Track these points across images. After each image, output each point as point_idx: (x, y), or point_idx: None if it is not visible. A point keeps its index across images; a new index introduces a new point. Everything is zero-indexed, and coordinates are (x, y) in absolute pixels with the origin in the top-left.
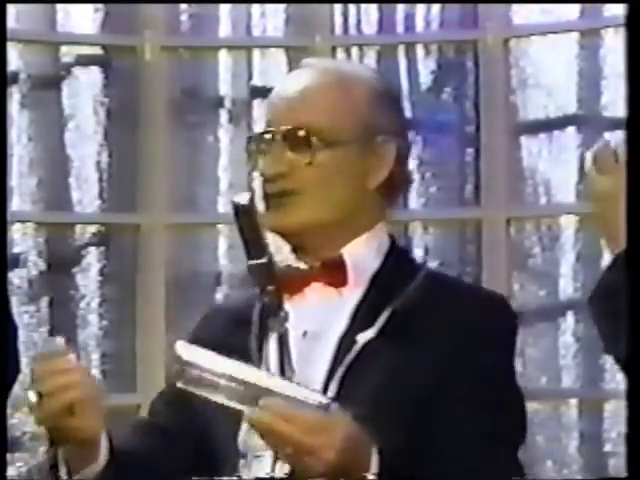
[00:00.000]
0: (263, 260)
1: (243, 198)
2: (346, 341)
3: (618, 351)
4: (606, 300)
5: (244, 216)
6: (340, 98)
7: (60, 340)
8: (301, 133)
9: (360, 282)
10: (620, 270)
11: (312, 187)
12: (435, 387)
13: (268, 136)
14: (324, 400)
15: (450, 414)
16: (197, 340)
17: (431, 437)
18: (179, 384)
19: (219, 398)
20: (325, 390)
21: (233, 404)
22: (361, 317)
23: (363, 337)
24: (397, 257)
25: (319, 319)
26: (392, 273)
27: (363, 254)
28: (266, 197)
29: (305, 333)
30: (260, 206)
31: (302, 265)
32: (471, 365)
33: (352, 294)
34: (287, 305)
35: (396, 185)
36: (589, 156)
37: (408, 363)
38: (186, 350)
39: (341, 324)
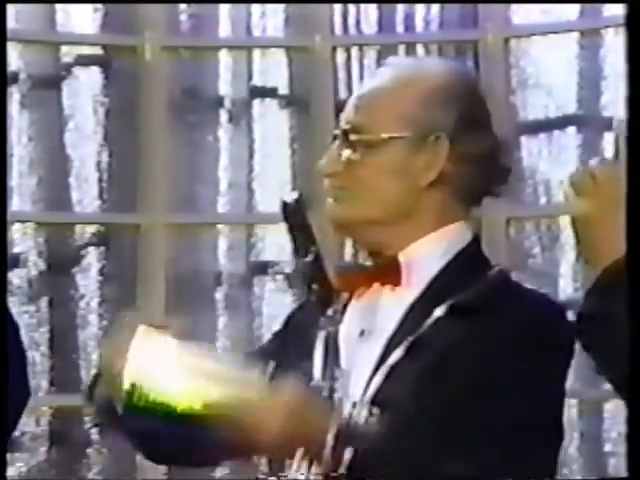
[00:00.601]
0: (309, 258)
1: (291, 196)
2: (395, 339)
3: (611, 373)
4: (591, 325)
5: (292, 214)
6: (392, 98)
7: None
8: (345, 132)
9: (417, 283)
10: (602, 292)
11: (359, 185)
12: (475, 387)
13: (335, 135)
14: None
15: (482, 416)
16: (287, 322)
17: (462, 433)
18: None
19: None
20: (367, 387)
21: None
22: (412, 317)
23: (412, 337)
24: (467, 259)
25: (375, 318)
26: (455, 275)
27: (423, 255)
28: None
29: (362, 332)
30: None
31: (367, 263)
32: (513, 372)
33: (409, 294)
34: (350, 304)
35: (466, 184)
36: (566, 179)
37: (453, 361)
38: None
39: (393, 324)
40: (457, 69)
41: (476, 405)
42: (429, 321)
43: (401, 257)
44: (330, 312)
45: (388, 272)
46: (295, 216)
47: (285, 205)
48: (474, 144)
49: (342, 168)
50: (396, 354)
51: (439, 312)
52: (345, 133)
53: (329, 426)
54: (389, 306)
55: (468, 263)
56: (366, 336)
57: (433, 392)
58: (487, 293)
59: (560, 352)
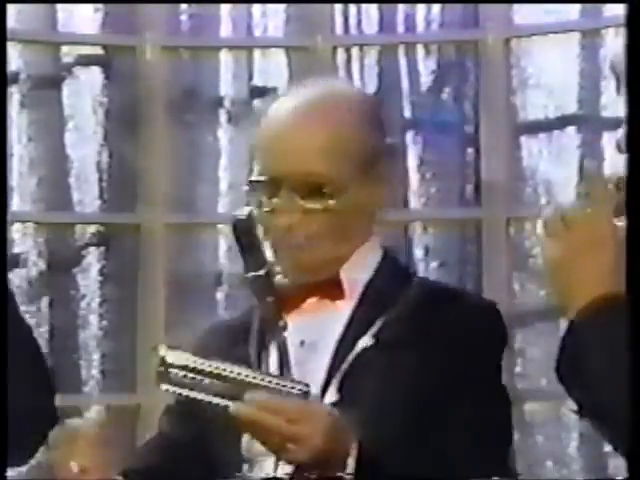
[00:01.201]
0: (261, 272)
1: (242, 212)
2: (342, 348)
3: (596, 418)
4: (571, 368)
5: (243, 230)
6: (341, 138)
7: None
8: (314, 183)
9: (354, 293)
10: (579, 335)
11: (327, 232)
12: (427, 392)
13: (272, 181)
14: (304, 388)
15: (439, 419)
16: (198, 354)
17: (423, 439)
18: (163, 386)
19: (203, 396)
20: (323, 395)
21: (217, 400)
22: (355, 325)
23: (360, 345)
24: (388, 267)
25: (316, 329)
26: (383, 282)
27: (356, 268)
28: (277, 241)
29: (302, 342)
30: (269, 252)
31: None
32: (457, 373)
33: (347, 305)
34: (285, 317)
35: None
36: (540, 221)
37: (402, 370)
38: (168, 352)
39: (336, 332)
40: (352, 86)
41: (426, 411)
42: (373, 329)
43: (342, 275)
44: (281, 323)
45: (329, 288)
46: (246, 232)
47: (236, 221)
48: (392, 155)
49: (301, 217)
50: (347, 362)
51: (380, 322)
52: (303, 183)
53: (351, 449)
54: (328, 317)
55: (392, 271)
56: (308, 346)
57: (388, 396)
58: (419, 300)
59: (495, 346)
